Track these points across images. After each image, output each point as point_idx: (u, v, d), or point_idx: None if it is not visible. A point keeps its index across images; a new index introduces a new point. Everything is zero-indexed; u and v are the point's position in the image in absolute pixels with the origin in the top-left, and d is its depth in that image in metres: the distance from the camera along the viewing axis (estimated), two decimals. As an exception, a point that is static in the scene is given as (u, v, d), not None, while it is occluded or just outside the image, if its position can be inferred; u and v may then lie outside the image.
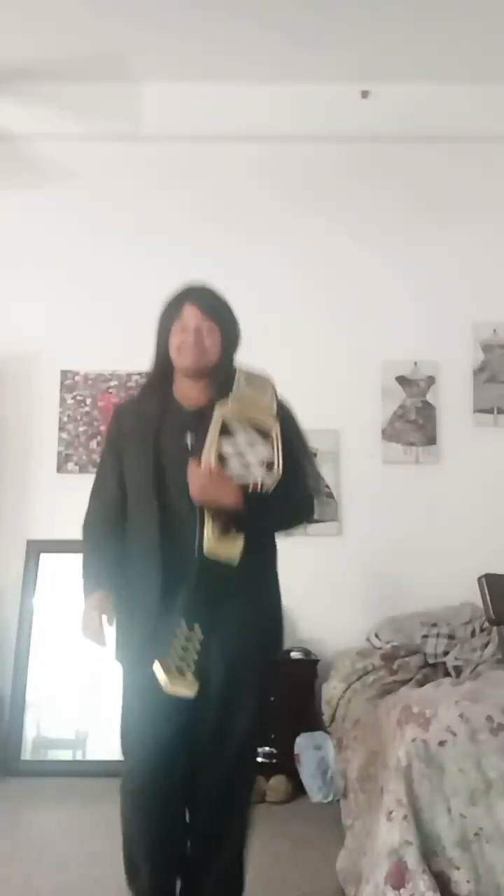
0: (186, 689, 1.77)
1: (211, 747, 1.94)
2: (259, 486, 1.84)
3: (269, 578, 2.06)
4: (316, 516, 2.15)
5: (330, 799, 3.19)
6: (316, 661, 3.53)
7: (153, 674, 1.81)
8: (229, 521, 1.85)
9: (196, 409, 2.01)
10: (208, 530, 1.85)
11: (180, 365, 2.04)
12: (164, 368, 2.10)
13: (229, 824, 1.96)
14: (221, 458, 1.84)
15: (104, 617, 2.01)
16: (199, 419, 1.95)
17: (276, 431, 1.90)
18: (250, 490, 1.83)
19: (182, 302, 2.05)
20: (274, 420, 1.93)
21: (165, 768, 1.94)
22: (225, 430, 1.88)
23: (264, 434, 1.89)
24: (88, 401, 3.93)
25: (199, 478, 1.85)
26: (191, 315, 2.02)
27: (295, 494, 1.99)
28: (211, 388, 2.03)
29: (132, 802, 1.96)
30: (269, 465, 1.84)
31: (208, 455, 1.85)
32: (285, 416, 2.01)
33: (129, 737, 2.01)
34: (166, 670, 1.76)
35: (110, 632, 2.02)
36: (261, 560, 1.99)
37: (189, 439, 1.97)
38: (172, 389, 2.09)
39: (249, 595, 1.92)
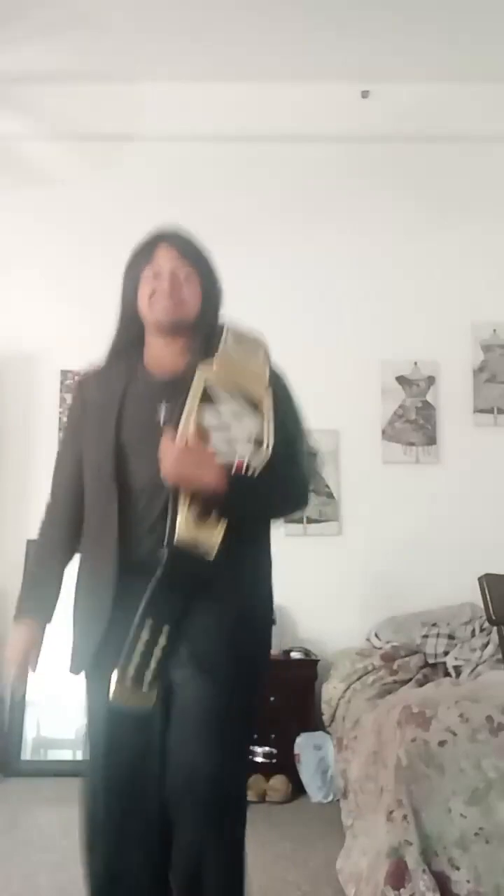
0: (139, 700, 1.53)
1: (181, 785, 1.58)
2: (245, 467, 1.57)
3: (256, 578, 1.70)
4: (311, 502, 1.81)
5: (330, 799, 3.18)
6: (316, 661, 3.53)
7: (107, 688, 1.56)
8: (208, 505, 1.55)
9: (170, 378, 1.68)
10: (183, 514, 1.55)
11: (153, 319, 1.71)
12: (131, 328, 1.77)
13: (213, 878, 1.61)
14: (201, 432, 1.58)
15: (30, 654, 1.73)
16: (174, 389, 1.63)
17: (267, 403, 1.63)
18: (234, 470, 1.56)
19: (155, 244, 1.73)
20: (266, 389, 1.65)
21: (132, 800, 1.63)
22: (207, 398, 1.61)
23: (253, 405, 1.63)
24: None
25: (173, 452, 1.55)
26: (165, 258, 1.70)
27: (287, 477, 1.67)
28: (189, 350, 1.70)
29: (93, 836, 1.67)
30: (258, 443, 1.59)
31: (185, 426, 1.57)
32: (279, 386, 1.71)
33: (92, 759, 1.70)
34: (119, 679, 1.53)
35: (34, 675, 1.76)
36: (246, 555, 1.65)
37: (162, 413, 1.64)
38: (143, 354, 1.75)
39: (230, 596, 1.60)
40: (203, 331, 1.72)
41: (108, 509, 1.64)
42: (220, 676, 1.58)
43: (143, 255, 1.74)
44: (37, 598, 1.79)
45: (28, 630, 1.74)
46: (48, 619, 1.76)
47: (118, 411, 1.68)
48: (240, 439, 1.59)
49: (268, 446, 1.59)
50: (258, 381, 1.66)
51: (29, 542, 3.80)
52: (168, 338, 1.73)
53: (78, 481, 1.74)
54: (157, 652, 1.54)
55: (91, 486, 1.71)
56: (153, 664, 1.54)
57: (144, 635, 1.54)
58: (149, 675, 1.54)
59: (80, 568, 1.76)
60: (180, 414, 1.59)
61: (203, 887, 1.59)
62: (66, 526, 1.77)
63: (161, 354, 1.74)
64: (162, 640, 1.54)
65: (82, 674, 1.75)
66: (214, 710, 1.57)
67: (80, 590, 1.75)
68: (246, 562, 1.66)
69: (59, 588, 1.77)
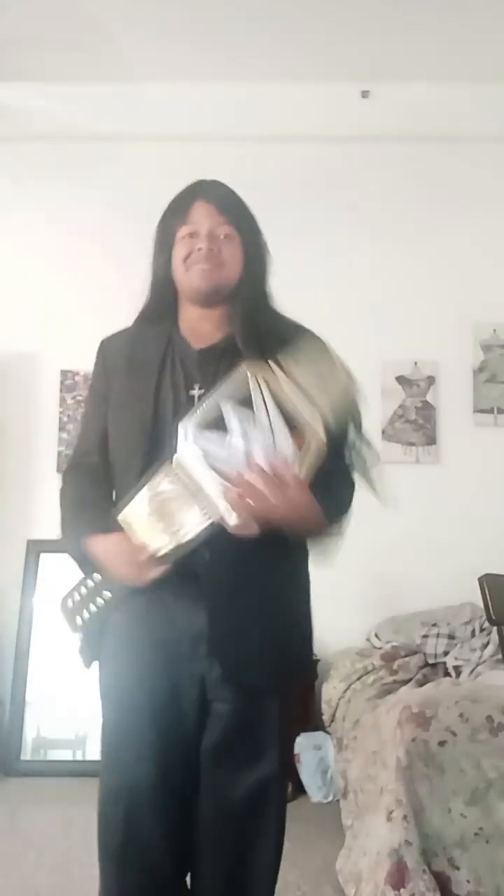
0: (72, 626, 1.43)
1: (213, 808, 1.48)
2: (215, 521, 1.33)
3: (300, 575, 1.62)
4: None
5: (330, 799, 3.19)
6: (316, 661, 3.52)
7: (136, 673, 1.46)
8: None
9: (207, 348, 1.51)
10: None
11: (189, 284, 1.52)
12: (164, 294, 1.57)
13: None
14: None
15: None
16: (211, 361, 1.48)
17: (318, 439, 1.37)
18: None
19: (191, 199, 1.54)
20: (337, 416, 1.40)
21: (158, 821, 1.46)
22: (246, 400, 1.35)
23: (293, 427, 1.36)
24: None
25: (281, 493, 1.31)
26: (203, 215, 1.51)
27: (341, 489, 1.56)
28: (229, 321, 1.51)
29: (115, 864, 1.49)
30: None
31: (300, 463, 1.33)
32: (353, 410, 1.51)
33: (110, 765, 1.50)
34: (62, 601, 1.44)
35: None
36: (290, 551, 1.54)
37: (196, 390, 1.47)
38: (178, 322, 1.56)
39: (274, 594, 1.47)
40: (245, 299, 1.53)
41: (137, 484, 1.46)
42: (270, 681, 1.48)
43: (178, 212, 1.54)
44: (94, 518, 1.53)
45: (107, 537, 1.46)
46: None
47: (156, 383, 1.49)
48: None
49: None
50: (334, 397, 1.46)
51: (29, 542, 3.81)
52: (206, 306, 1.54)
53: (106, 443, 1.57)
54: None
55: (120, 456, 1.54)
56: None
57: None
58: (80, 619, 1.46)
59: None
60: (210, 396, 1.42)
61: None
62: (102, 480, 1.58)
63: (198, 325, 1.55)
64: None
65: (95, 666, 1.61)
66: (260, 720, 1.48)
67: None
68: (291, 557, 1.56)
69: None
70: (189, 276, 1.51)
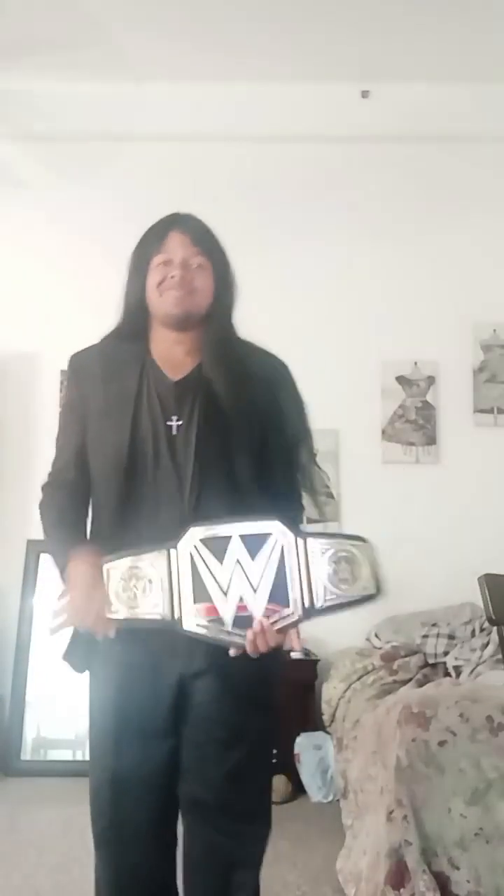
0: None
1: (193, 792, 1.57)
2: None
3: None
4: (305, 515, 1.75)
5: (330, 799, 3.19)
6: (316, 661, 3.52)
7: (124, 679, 1.54)
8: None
9: (182, 379, 1.58)
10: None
11: (163, 310, 1.59)
12: (137, 317, 1.65)
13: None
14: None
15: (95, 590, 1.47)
16: (188, 393, 1.57)
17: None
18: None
19: (167, 229, 1.62)
20: None
21: (152, 835, 1.57)
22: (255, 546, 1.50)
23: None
24: (88, 401, 3.93)
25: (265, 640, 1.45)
26: (177, 244, 1.59)
27: (284, 492, 1.61)
28: (200, 345, 1.60)
29: (104, 847, 1.59)
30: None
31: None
32: (281, 380, 1.64)
33: (98, 776, 1.59)
34: None
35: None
36: None
37: (174, 421, 1.56)
38: (149, 348, 1.63)
39: None
40: (215, 326, 1.62)
41: (118, 510, 1.55)
42: (244, 693, 1.55)
43: (154, 240, 1.62)
44: (70, 536, 1.60)
45: (90, 553, 1.52)
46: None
47: (133, 414, 1.56)
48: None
49: None
50: None
51: (29, 542, 3.81)
52: (177, 332, 1.61)
53: (83, 460, 1.62)
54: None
55: (100, 475, 1.59)
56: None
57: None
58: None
59: None
60: (191, 425, 1.54)
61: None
62: (79, 496, 1.63)
63: (169, 349, 1.62)
64: None
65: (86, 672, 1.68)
66: (237, 731, 1.56)
67: None
68: None
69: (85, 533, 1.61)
70: (162, 301, 1.59)
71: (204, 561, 1.49)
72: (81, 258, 3.91)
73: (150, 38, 3.59)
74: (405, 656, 3.34)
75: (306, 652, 3.54)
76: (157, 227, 1.65)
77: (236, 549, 1.50)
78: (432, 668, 3.38)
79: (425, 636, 3.47)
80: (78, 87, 3.86)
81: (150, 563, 1.47)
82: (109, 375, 1.62)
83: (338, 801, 2.89)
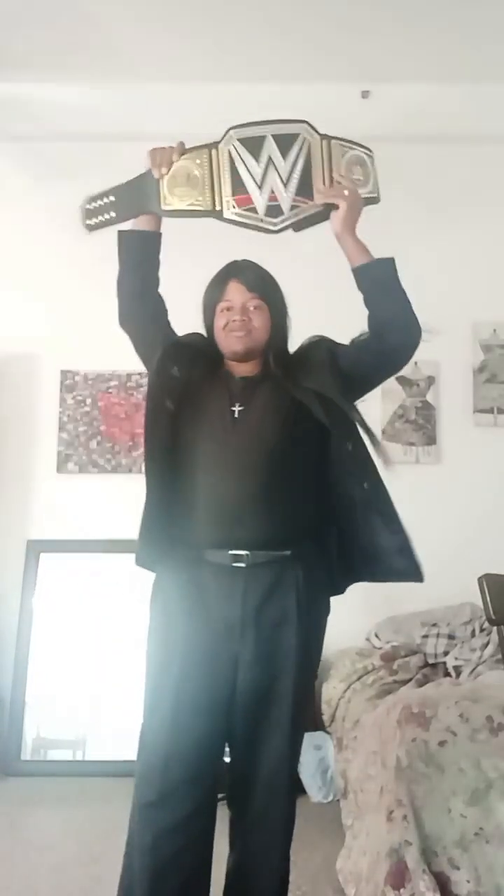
0: None
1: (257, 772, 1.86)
2: None
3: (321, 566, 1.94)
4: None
5: (330, 799, 3.19)
6: (316, 661, 3.52)
7: (183, 622, 1.78)
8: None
9: (246, 377, 1.92)
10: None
11: (228, 348, 1.92)
12: (213, 354, 1.98)
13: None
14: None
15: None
16: (250, 389, 1.89)
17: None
18: None
19: (226, 279, 1.94)
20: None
21: (202, 763, 1.81)
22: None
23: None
24: (88, 401, 3.93)
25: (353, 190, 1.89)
26: (236, 292, 1.92)
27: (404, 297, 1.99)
28: (262, 364, 1.94)
29: (147, 807, 1.80)
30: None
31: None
32: (316, 346, 2.03)
33: (156, 739, 1.82)
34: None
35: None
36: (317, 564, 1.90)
37: (237, 410, 1.87)
38: (220, 376, 1.96)
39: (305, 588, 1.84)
40: (274, 355, 1.93)
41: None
42: (291, 668, 1.81)
43: (217, 289, 1.94)
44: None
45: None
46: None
47: (203, 399, 1.88)
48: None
49: None
50: None
51: (29, 542, 3.81)
52: (241, 362, 1.93)
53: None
54: None
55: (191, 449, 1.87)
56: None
57: None
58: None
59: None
60: (254, 416, 1.84)
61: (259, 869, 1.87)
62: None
63: (236, 367, 1.95)
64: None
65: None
66: (286, 700, 1.80)
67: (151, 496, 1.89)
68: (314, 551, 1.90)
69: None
70: (227, 342, 1.91)
71: (241, 158, 1.82)
72: (81, 258, 3.90)
73: (150, 39, 3.59)
74: (405, 656, 3.34)
75: (306, 652, 3.54)
76: (218, 276, 1.96)
77: (270, 147, 1.84)
78: (432, 668, 3.38)
79: (425, 636, 3.47)
80: (77, 88, 3.86)
81: (195, 160, 1.80)
82: (189, 363, 1.94)
83: (338, 801, 2.89)
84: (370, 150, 1.99)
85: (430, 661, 3.40)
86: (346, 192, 1.92)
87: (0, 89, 3.84)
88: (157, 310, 2.01)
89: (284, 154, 1.82)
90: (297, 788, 1.97)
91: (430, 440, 3.91)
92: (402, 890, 1.94)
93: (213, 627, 1.79)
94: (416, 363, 3.94)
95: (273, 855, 1.89)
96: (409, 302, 1.96)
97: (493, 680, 2.88)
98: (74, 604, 3.63)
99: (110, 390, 3.92)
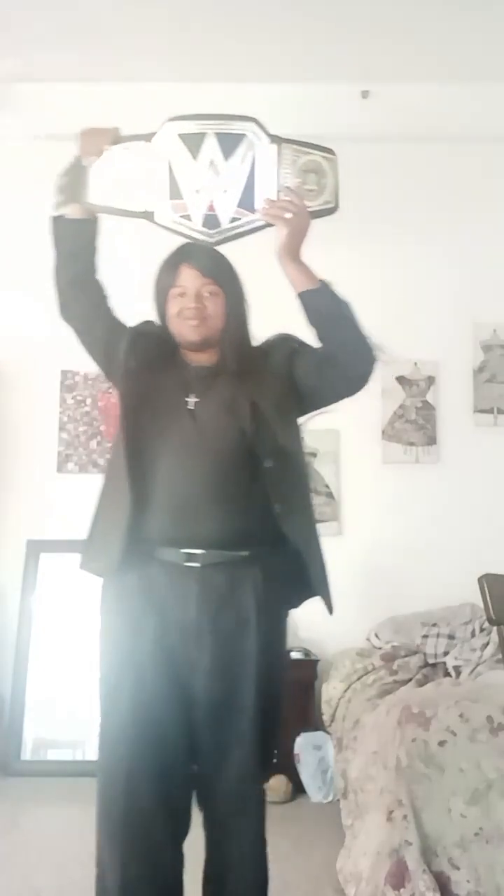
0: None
1: (212, 752, 1.73)
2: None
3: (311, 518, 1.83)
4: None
5: (330, 799, 3.19)
6: (316, 661, 3.53)
7: (134, 625, 1.67)
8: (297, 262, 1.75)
9: (203, 366, 1.81)
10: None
11: (182, 339, 1.81)
12: (167, 342, 1.86)
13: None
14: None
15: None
16: (207, 379, 1.78)
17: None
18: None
19: (178, 263, 1.80)
20: None
21: (167, 775, 1.69)
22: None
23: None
24: (88, 401, 3.93)
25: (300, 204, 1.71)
26: (189, 277, 1.78)
27: (356, 327, 1.80)
28: (219, 354, 1.81)
29: (113, 828, 1.69)
30: None
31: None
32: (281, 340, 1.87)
33: (109, 727, 1.72)
34: None
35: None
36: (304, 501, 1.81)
37: (192, 402, 1.76)
38: (179, 369, 1.84)
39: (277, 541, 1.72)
40: (231, 342, 1.80)
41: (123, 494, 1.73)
42: (248, 672, 1.69)
43: (168, 274, 1.81)
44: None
45: None
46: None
47: (155, 390, 1.78)
48: None
49: None
50: None
51: (29, 542, 3.81)
52: (196, 351, 1.82)
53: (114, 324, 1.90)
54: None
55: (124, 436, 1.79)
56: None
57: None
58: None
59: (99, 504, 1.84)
60: (209, 407, 1.73)
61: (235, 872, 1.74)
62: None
63: (192, 356, 1.84)
64: None
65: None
66: (249, 709, 1.68)
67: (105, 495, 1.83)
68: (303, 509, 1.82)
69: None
70: (181, 330, 1.79)
71: (179, 158, 1.67)
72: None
73: (149, 38, 3.59)
74: (405, 656, 3.34)
75: (306, 652, 3.54)
76: (170, 260, 1.82)
77: (211, 148, 1.69)
78: (432, 668, 3.37)
79: (425, 636, 3.47)
80: (77, 87, 3.86)
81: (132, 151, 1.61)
82: (148, 352, 1.84)
83: (338, 801, 2.88)
84: (330, 152, 1.83)
85: (430, 661, 3.40)
86: (287, 215, 1.75)
87: (0, 89, 3.85)
88: (98, 298, 1.93)
89: (227, 156, 1.65)
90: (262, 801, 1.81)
91: (430, 440, 3.91)
92: (402, 890, 1.94)
93: (167, 632, 1.69)
94: (416, 363, 3.94)
95: (246, 867, 1.75)
96: (358, 328, 1.80)
97: (493, 680, 2.88)
98: (74, 604, 3.63)
99: (110, 390, 3.91)
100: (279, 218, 1.73)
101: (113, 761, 1.69)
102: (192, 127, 1.61)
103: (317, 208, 1.73)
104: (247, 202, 1.63)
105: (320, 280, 1.79)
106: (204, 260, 1.81)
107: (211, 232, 1.61)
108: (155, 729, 1.67)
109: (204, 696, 1.69)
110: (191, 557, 1.69)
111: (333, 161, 1.81)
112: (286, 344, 1.85)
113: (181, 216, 1.61)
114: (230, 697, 1.68)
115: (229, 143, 1.61)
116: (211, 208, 1.61)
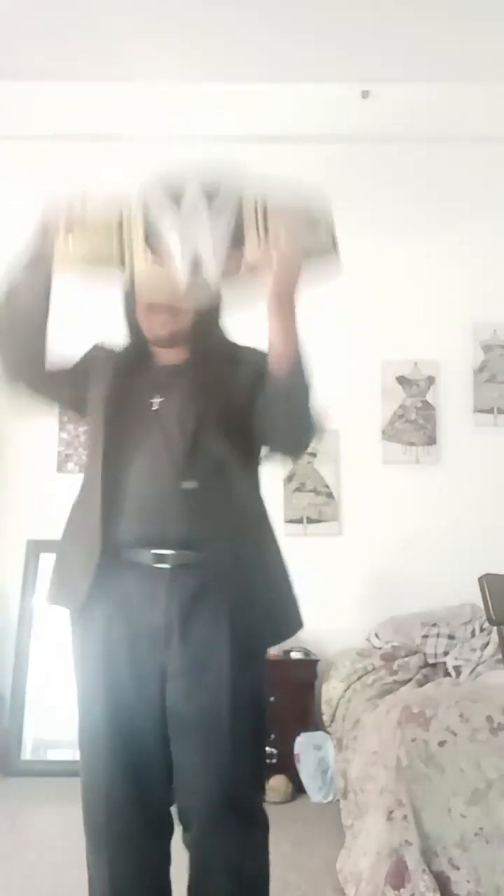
0: None
1: (196, 800, 1.64)
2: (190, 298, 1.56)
3: (258, 571, 1.69)
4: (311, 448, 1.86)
5: (330, 799, 3.19)
6: (316, 661, 3.53)
7: (103, 633, 1.64)
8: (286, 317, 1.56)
9: (170, 365, 1.75)
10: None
11: (151, 334, 1.75)
12: (137, 340, 1.81)
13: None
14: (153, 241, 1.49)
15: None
16: (173, 378, 1.72)
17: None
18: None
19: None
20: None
21: (140, 788, 1.65)
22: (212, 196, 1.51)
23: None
24: (88, 401, 3.93)
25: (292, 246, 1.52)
26: None
27: (303, 393, 1.63)
28: (189, 351, 1.75)
29: (97, 836, 1.67)
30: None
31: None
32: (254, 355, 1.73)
33: (86, 736, 1.70)
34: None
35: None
36: (247, 548, 1.68)
37: (157, 402, 1.71)
38: (150, 369, 1.79)
39: (227, 594, 1.62)
40: (201, 338, 1.75)
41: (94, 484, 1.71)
42: (223, 681, 1.62)
43: None
44: None
45: None
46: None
47: (119, 393, 1.74)
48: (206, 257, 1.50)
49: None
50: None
51: (29, 542, 3.81)
52: (166, 348, 1.77)
53: (73, 391, 1.88)
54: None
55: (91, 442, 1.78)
56: None
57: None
58: None
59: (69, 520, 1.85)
60: (173, 407, 1.68)
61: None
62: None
63: (163, 354, 1.79)
64: None
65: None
66: (225, 717, 1.61)
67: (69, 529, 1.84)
68: (256, 514, 1.75)
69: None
70: (150, 325, 1.74)
71: (156, 228, 1.56)
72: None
73: (149, 38, 3.59)
74: (405, 656, 3.34)
75: (306, 652, 3.54)
76: None
77: (194, 206, 1.54)
78: (432, 668, 3.37)
79: (425, 636, 3.47)
80: (77, 87, 3.86)
81: (100, 236, 1.58)
82: (113, 360, 1.83)
83: (338, 801, 2.89)
84: (324, 204, 1.65)
85: (430, 661, 3.40)
86: (274, 255, 1.54)
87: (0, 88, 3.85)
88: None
89: (211, 212, 1.50)
90: (262, 820, 1.71)
91: (430, 440, 3.91)
92: (402, 890, 1.94)
93: (135, 635, 1.64)
94: (416, 363, 3.94)
95: (228, 886, 1.65)
96: (307, 407, 1.64)
97: (493, 680, 2.88)
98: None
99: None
100: (264, 262, 1.54)
101: (92, 769, 1.68)
102: (170, 187, 1.54)
103: (314, 252, 1.55)
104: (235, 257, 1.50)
105: (298, 352, 1.61)
106: None
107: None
108: (130, 735, 1.63)
109: (175, 702, 1.62)
110: (160, 559, 1.63)
111: (327, 215, 1.64)
112: (259, 363, 1.68)
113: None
114: (205, 703, 1.61)
115: (212, 198, 1.51)
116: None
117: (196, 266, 1.48)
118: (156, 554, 1.64)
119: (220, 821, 1.62)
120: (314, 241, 1.60)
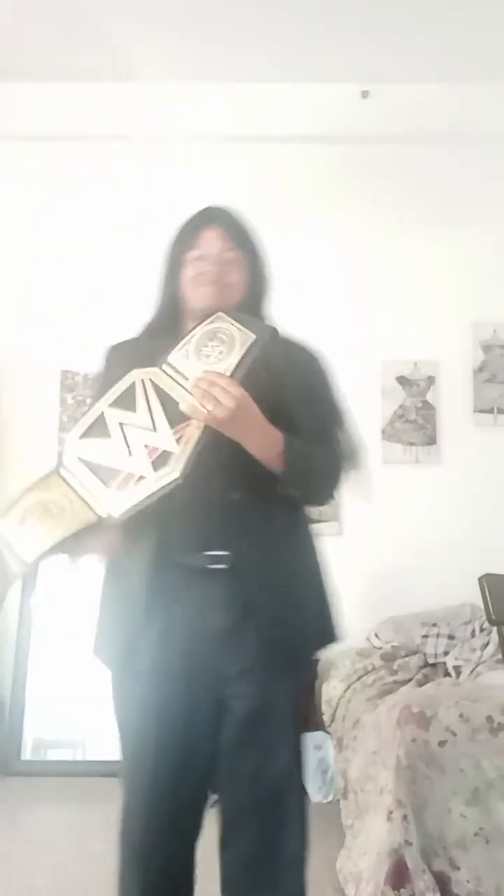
0: None
1: (237, 791, 1.61)
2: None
3: (310, 543, 1.72)
4: (339, 490, 1.78)
5: (330, 799, 3.19)
6: (316, 661, 3.52)
7: (148, 685, 1.57)
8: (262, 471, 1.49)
9: None
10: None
11: (196, 304, 1.60)
12: (171, 312, 1.67)
13: None
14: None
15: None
16: None
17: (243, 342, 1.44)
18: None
19: (201, 224, 1.64)
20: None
21: (182, 813, 1.61)
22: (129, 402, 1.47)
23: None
24: (88, 401, 3.92)
25: (232, 393, 1.39)
26: (212, 239, 1.61)
27: (320, 459, 1.64)
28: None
29: (136, 861, 1.63)
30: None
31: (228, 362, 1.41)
32: (307, 364, 1.69)
33: (132, 766, 1.62)
34: None
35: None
36: (302, 521, 1.69)
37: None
38: (179, 336, 1.58)
39: (292, 559, 1.63)
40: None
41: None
42: (291, 654, 1.61)
43: (189, 235, 1.64)
44: None
45: None
46: None
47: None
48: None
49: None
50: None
51: (29, 542, 3.81)
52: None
53: None
54: None
55: None
56: None
57: None
58: None
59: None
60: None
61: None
62: None
63: None
64: None
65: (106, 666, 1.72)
66: (272, 720, 1.58)
67: (112, 574, 1.68)
68: (303, 527, 1.73)
69: None
70: (195, 296, 1.61)
71: (90, 451, 1.54)
72: (81, 258, 3.91)
73: (149, 38, 3.59)
74: (405, 656, 3.34)
75: (306, 652, 3.54)
76: (192, 221, 1.66)
77: (111, 416, 1.50)
78: (432, 668, 3.37)
79: (425, 636, 3.47)
80: (77, 87, 3.86)
81: (51, 490, 1.57)
82: (136, 358, 1.58)
83: (338, 801, 2.88)
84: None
85: (430, 661, 3.40)
86: (208, 407, 1.40)
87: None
88: None
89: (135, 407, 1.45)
90: (305, 814, 1.74)
91: (430, 440, 3.91)
92: (402, 890, 1.95)
93: (189, 641, 1.57)
94: (416, 363, 3.94)
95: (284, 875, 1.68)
96: (321, 474, 1.68)
97: (493, 680, 2.88)
98: (74, 604, 3.62)
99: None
100: (199, 415, 1.42)
101: (137, 771, 1.62)
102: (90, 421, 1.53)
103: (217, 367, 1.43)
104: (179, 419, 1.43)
105: (283, 449, 1.52)
106: (230, 223, 1.65)
107: (168, 469, 1.40)
108: (180, 735, 1.58)
109: (235, 706, 1.57)
110: (214, 559, 1.57)
111: (247, 336, 1.47)
112: (316, 367, 1.70)
113: (131, 490, 1.46)
114: (265, 699, 1.57)
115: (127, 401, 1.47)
116: (153, 452, 1.41)
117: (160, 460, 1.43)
118: (209, 555, 1.57)
119: (273, 813, 1.64)
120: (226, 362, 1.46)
